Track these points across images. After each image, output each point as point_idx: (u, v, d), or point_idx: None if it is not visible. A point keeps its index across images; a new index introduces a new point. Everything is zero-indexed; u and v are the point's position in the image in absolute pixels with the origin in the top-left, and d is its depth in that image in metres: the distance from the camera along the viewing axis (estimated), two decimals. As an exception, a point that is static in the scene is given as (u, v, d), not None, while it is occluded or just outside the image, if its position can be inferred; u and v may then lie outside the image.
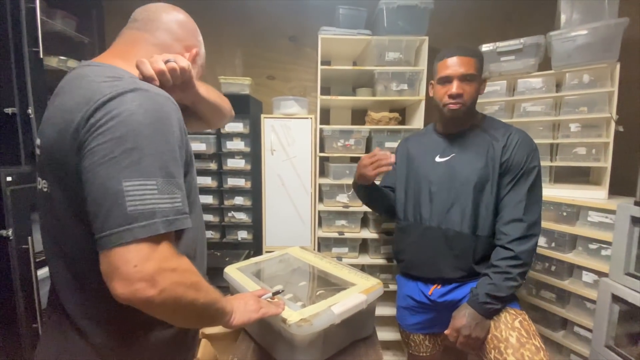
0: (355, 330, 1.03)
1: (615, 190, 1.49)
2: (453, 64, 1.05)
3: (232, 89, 1.81)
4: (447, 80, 1.07)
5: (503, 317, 1.03)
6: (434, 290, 1.17)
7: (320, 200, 1.90)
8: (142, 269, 0.47)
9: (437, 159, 1.18)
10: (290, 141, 1.83)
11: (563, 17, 1.51)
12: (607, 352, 1.22)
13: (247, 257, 1.82)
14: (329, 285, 1.14)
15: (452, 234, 1.11)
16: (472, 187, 1.08)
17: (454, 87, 1.05)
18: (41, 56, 1.24)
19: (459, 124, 1.15)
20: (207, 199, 1.87)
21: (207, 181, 1.86)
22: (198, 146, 1.79)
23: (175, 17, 0.73)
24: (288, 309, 0.88)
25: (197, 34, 0.78)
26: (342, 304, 0.91)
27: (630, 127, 1.44)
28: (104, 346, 0.61)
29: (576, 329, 1.47)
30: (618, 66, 1.40)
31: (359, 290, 1.01)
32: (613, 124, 1.43)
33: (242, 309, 0.72)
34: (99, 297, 0.58)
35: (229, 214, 1.89)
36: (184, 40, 0.73)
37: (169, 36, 0.71)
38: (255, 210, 1.89)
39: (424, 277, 1.20)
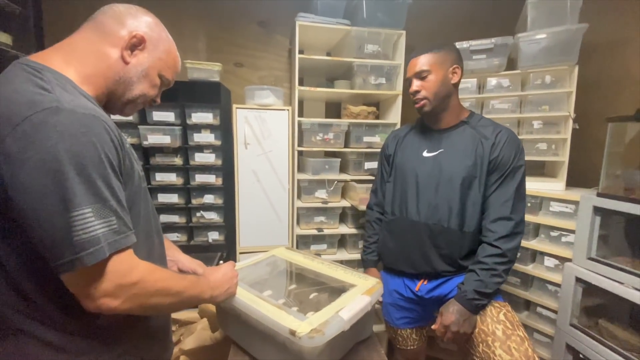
0: (356, 333, 0.99)
1: (570, 182, 1.64)
2: (409, 67, 1.15)
3: (199, 75, 1.63)
4: (409, 82, 1.15)
5: (489, 310, 1.06)
6: (420, 286, 1.18)
7: (298, 196, 1.82)
8: (102, 288, 0.55)
9: (425, 154, 1.18)
10: (265, 134, 1.72)
11: (529, 20, 1.61)
12: (572, 330, 1.34)
13: (220, 260, 1.68)
14: (323, 287, 1.08)
15: (439, 229, 1.12)
16: (460, 184, 1.09)
17: (412, 86, 1.13)
18: (-42, 24, 0.97)
19: (436, 119, 1.16)
20: (172, 198, 1.69)
21: (171, 178, 1.67)
22: (161, 139, 1.59)
23: (128, 8, 0.70)
24: (294, 319, 0.81)
25: (153, 26, 0.72)
26: (349, 309, 0.86)
27: (584, 125, 1.59)
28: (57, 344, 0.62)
29: (539, 309, 1.61)
30: (577, 68, 1.53)
31: (361, 291, 0.97)
32: (571, 122, 1.56)
33: (222, 282, 0.85)
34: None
35: (198, 214, 1.73)
36: (129, 26, 0.68)
37: (113, 21, 0.67)
38: (228, 209, 1.75)
39: (409, 272, 1.20)
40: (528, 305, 1.68)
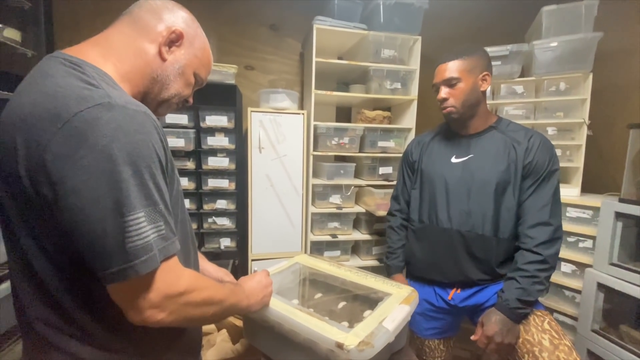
0: (393, 344, 0.96)
1: (584, 188, 1.66)
2: (437, 73, 1.12)
3: (213, 77, 1.59)
4: (436, 88, 1.13)
5: (532, 320, 1.03)
6: (454, 295, 1.15)
7: (312, 201, 1.79)
8: (149, 299, 0.51)
9: (453, 160, 1.16)
10: (280, 138, 1.68)
11: (544, 28, 1.63)
12: (594, 336, 1.34)
13: (233, 268, 1.63)
14: (350, 295, 1.05)
15: (473, 236, 1.09)
16: (493, 190, 1.07)
17: (440, 94, 1.11)
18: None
19: (464, 125, 1.15)
20: (183, 203, 1.63)
21: (183, 182, 1.62)
22: (175, 142, 1.54)
23: (164, 2, 0.67)
24: (339, 331, 0.77)
25: (189, 21, 0.69)
26: (392, 319, 0.83)
27: (597, 132, 1.61)
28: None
29: (555, 315, 1.60)
30: (591, 76, 1.55)
31: (398, 300, 0.93)
32: (585, 128, 1.58)
33: (257, 290, 0.82)
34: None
35: (209, 220, 1.67)
36: (166, 21, 0.65)
37: (150, 16, 0.64)
38: (240, 215, 1.70)
39: (440, 280, 1.18)
40: (544, 311, 1.67)
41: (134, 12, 0.64)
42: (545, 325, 1.01)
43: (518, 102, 1.72)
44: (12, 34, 1.17)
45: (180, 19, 0.67)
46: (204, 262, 0.96)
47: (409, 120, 1.80)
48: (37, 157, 0.47)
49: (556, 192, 1.05)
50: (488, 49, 1.68)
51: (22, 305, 0.57)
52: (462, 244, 1.10)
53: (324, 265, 1.22)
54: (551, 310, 1.61)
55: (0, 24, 1.13)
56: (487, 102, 1.76)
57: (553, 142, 1.62)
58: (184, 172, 1.61)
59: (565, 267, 1.56)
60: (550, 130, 1.68)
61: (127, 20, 0.64)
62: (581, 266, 1.49)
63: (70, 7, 1.51)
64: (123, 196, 0.47)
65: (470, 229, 1.09)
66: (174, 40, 0.65)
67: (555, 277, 1.57)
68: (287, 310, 0.86)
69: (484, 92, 1.10)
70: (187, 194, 1.63)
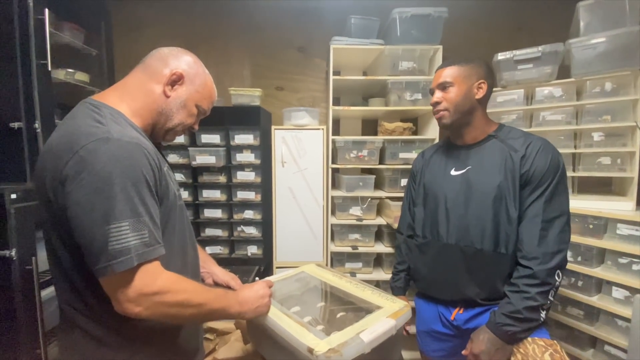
0: (381, 358, 0.96)
1: (642, 201, 1.43)
2: (435, 78, 1.12)
3: (242, 100, 1.77)
4: (431, 92, 1.14)
5: (531, 349, 0.93)
6: (456, 315, 1.10)
7: (332, 213, 1.84)
8: (126, 294, 0.62)
9: (453, 172, 1.12)
10: (301, 153, 1.78)
11: (582, 25, 1.48)
12: (648, 375, 1.14)
13: (257, 273, 1.75)
14: (350, 307, 1.07)
15: (473, 251, 1.04)
16: (491, 202, 1.02)
17: (433, 97, 1.11)
18: (49, 68, 1.19)
19: (459, 134, 1.12)
20: (216, 213, 1.81)
21: (216, 194, 1.81)
22: (207, 159, 1.74)
23: (171, 50, 0.80)
24: (314, 338, 0.81)
25: (192, 64, 0.82)
26: (371, 331, 0.84)
27: (656, 136, 1.39)
28: (102, 339, 0.71)
29: (607, 347, 1.39)
30: (642, 73, 1.36)
31: (386, 314, 0.94)
32: (639, 132, 1.38)
33: (252, 299, 0.86)
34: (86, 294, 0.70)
35: (239, 228, 1.83)
36: (171, 65, 0.78)
37: (158, 62, 0.78)
38: (266, 224, 1.83)
39: (443, 299, 1.14)
40: (594, 342, 1.46)
41: (146, 60, 0.80)
42: (546, 357, 0.90)
43: (557, 106, 1.57)
44: (82, 77, 1.49)
45: (183, 62, 0.81)
46: (213, 266, 1.08)
47: (433, 130, 1.76)
48: (57, 178, 0.63)
49: (557, 201, 0.96)
50: (517, 52, 1.60)
51: (57, 292, 0.74)
52: (461, 261, 1.06)
53: (328, 275, 1.26)
54: (602, 342, 1.41)
55: (72, 69, 1.44)
56: (520, 108, 1.66)
57: (600, 150, 1.48)
58: (216, 185, 1.80)
59: (617, 293, 1.36)
60: (597, 136, 1.50)
61: (141, 68, 0.79)
62: (635, 291, 1.28)
63: (131, 53, 1.84)
64: (110, 209, 0.60)
65: (469, 244, 1.05)
66: (176, 80, 0.79)
67: (605, 304, 1.37)
68: (276, 315, 0.93)
69: (480, 101, 1.06)
70: (219, 204, 1.81)
